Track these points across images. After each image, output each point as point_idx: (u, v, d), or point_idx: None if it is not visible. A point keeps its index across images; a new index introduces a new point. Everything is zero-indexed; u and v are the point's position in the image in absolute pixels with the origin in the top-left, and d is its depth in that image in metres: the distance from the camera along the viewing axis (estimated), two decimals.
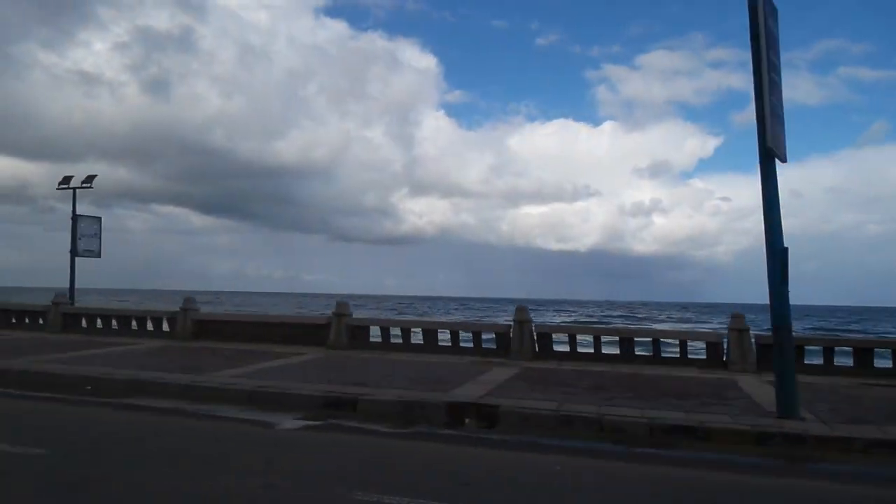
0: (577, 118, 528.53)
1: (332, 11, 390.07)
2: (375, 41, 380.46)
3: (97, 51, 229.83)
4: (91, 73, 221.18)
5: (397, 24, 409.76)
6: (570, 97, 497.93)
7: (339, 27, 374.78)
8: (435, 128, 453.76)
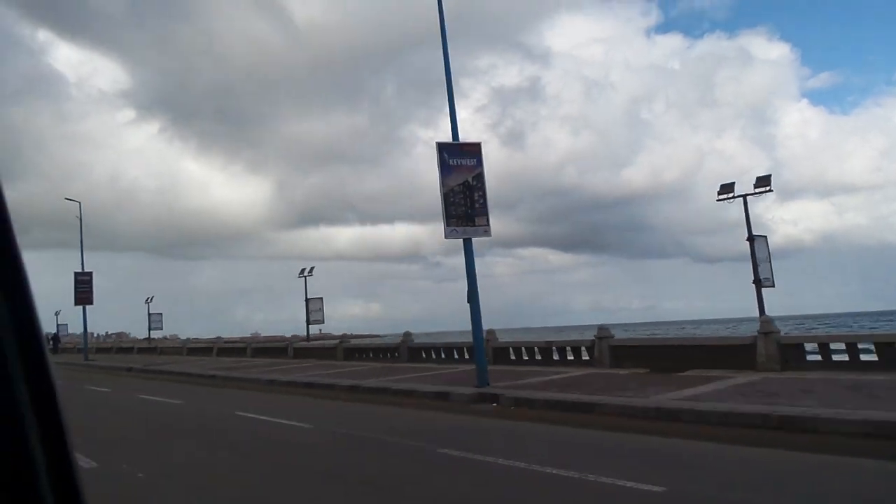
0: None
1: (663, 27, 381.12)
2: (717, 43, 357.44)
3: (462, 118, 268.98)
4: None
5: (738, 19, 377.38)
6: None
7: (673, 41, 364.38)
8: (799, 121, 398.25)
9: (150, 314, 44.10)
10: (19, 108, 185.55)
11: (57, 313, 56.62)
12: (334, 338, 41.78)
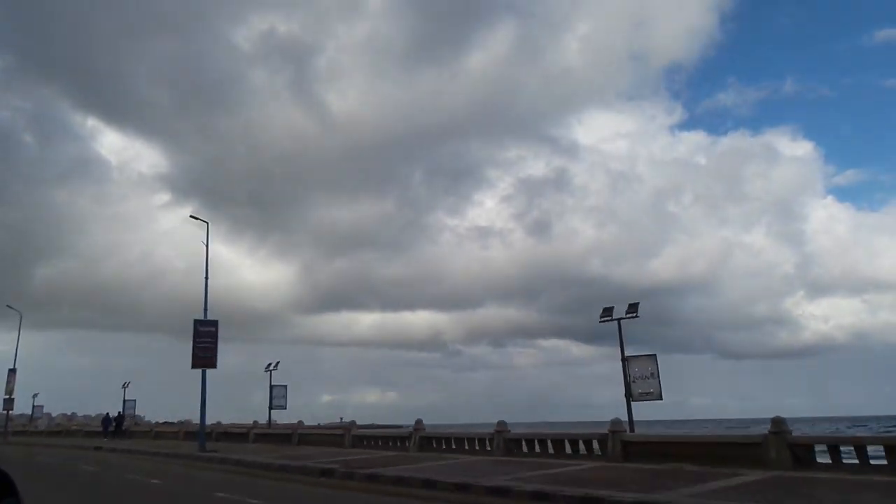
0: None
1: (686, 125, 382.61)
2: (742, 140, 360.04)
3: (488, 207, 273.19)
4: (484, 227, 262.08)
5: (761, 117, 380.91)
6: None
7: (697, 138, 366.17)
8: (826, 217, 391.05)
9: (272, 387, 32.56)
10: (64, 189, 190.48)
11: (125, 385, 45.79)
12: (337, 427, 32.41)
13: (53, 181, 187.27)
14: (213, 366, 26.54)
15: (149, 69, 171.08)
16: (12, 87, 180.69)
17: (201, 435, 26.74)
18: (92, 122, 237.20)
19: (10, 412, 50.91)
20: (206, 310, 27.12)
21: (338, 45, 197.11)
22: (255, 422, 34.81)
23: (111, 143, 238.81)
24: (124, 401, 45.66)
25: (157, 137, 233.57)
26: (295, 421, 34.77)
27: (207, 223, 28.74)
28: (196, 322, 26.68)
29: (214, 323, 26.98)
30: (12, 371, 48.98)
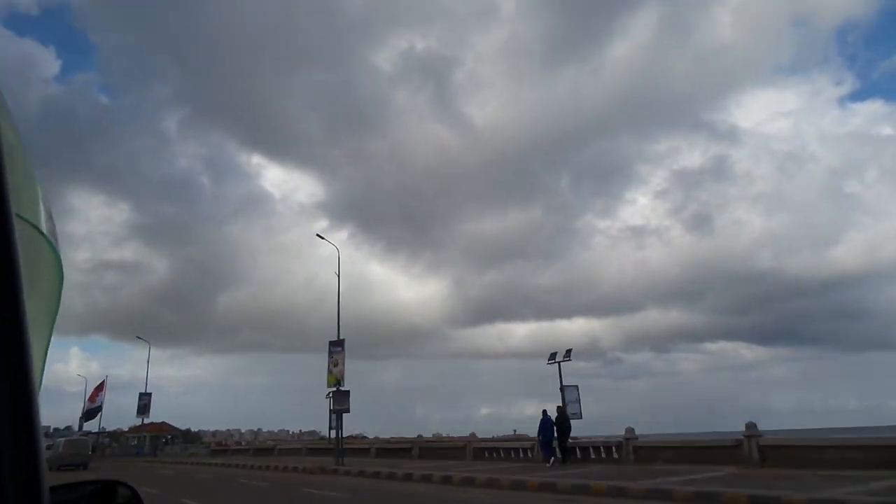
0: None
1: (858, 95, 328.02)
2: None
3: (641, 205, 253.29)
4: (638, 226, 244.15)
5: None
6: None
7: (872, 108, 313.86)
8: None
9: None
10: (237, 224, 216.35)
11: (563, 357, 26.16)
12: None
13: (228, 218, 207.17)
14: None
15: (300, 102, 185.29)
16: (190, 136, 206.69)
17: None
18: (257, 160, 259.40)
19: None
20: None
21: (475, 54, 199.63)
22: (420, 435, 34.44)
23: (273, 177, 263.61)
24: (562, 388, 25.03)
25: (312, 167, 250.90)
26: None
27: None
28: None
29: None
30: (336, 343, 29.59)
